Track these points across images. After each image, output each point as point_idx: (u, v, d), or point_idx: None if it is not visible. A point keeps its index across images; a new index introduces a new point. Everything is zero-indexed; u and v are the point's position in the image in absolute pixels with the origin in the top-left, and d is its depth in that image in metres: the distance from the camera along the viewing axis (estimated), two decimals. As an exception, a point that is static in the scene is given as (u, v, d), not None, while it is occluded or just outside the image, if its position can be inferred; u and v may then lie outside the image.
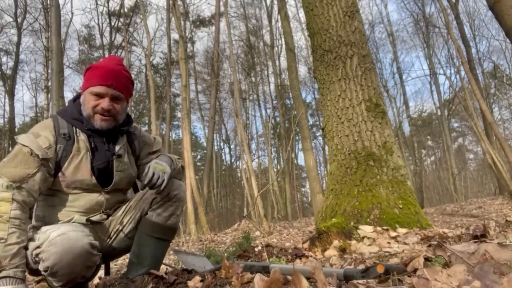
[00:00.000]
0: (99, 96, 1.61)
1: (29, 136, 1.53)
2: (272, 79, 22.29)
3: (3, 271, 1.30)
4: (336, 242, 2.58)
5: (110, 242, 1.70)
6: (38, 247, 1.38)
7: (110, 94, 1.61)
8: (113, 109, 1.63)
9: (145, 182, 1.55)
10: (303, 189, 31.92)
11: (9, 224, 1.36)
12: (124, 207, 1.74)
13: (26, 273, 1.44)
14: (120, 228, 1.71)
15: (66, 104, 1.77)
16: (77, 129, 1.62)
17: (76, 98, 1.72)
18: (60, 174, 1.57)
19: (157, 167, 1.60)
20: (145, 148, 1.85)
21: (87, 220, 1.58)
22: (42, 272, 1.38)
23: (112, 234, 1.70)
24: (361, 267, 1.57)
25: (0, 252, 1.31)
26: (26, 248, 1.40)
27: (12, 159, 1.48)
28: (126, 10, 17.67)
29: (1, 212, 1.36)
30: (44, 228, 1.46)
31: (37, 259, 1.39)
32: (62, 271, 1.34)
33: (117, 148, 1.69)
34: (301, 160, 30.38)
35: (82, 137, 1.62)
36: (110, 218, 1.71)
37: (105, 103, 1.60)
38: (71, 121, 1.63)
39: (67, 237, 1.35)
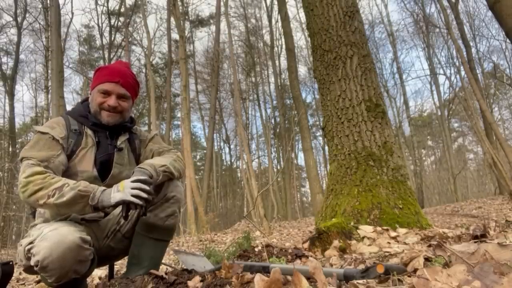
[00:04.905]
0: (107, 93, 1.69)
1: (46, 127, 1.61)
2: (272, 79, 22.34)
3: (94, 188, 1.44)
4: (336, 242, 2.58)
5: (107, 242, 1.71)
6: (31, 242, 1.41)
7: (117, 92, 1.69)
8: (119, 106, 1.70)
9: (121, 221, 1.65)
10: (303, 189, 31.95)
11: (57, 178, 1.45)
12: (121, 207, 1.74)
13: (23, 272, 1.45)
14: (117, 228, 1.71)
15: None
16: (84, 126, 1.70)
17: (84, 100, 1.81)
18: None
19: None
20: (143, 144, 1.89)
21: (82, 219, 1.60)
22: (35, 268, 1.39)
23: (109, 234, 1.71)
24: (361, 267, 1.57)
25: (75, 186, 1.41)
26: None
27: (35, 145, 1.54)
28: (126, 9, 17.64)
29: (41, 177, 1.43)
30: (39, 225, 1.51)
31: (29, 254, 1.42)
32: (52, 266, 1.34)
33: (118, 142, 1.74)
34: (301, 160, 30.38)
35: (89, 132, 1.70)
36: (107, 217, 1.71)
37: (111, 100, 1.68)
38: (78, 118, 1.72)
39: (57, 232, 1.37)
